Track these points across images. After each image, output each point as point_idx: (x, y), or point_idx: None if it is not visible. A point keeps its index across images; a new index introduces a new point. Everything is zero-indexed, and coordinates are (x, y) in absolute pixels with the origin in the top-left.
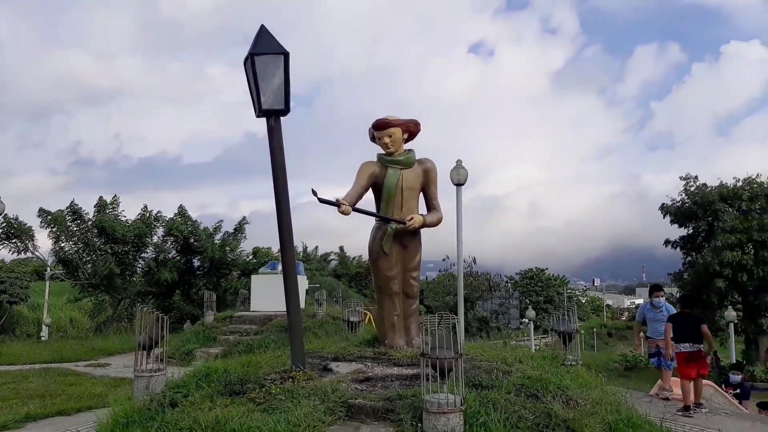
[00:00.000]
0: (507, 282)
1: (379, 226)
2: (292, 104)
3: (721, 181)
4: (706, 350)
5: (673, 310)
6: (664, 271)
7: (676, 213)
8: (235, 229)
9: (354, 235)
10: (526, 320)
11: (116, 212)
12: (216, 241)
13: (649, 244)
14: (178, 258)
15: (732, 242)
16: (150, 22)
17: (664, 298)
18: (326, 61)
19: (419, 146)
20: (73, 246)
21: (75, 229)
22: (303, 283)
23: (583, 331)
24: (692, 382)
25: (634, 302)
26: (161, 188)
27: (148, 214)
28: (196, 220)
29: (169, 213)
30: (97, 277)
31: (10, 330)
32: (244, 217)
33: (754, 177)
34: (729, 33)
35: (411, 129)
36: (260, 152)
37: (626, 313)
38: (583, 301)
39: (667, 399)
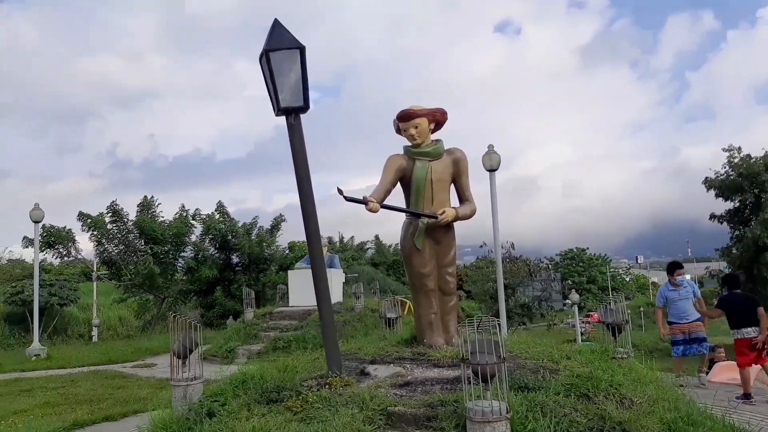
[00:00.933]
0: (548, 265)
1: (410, 221)
2: (318, 95)
3: (767, 151)
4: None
5: (696, 288)
6: (709, 246)
7: (720, 186)
8: (272, 227)
9: (388, 224)
10: (570, 302)
11: (154, 212)
12: (253, 238)
13: (692, 218)
14: (217, 255)
15: None
16: (175, 21)
17: (686, 276)
18: (351, 49)
19: (449, 132)
20: (114, 248)
21: (115, 231)
22: (339, 276)
23: (629, 311)
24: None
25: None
26: (198, 185)
27: (185, 213)
28: (233, 218)
29: (206, 210)
30: (139, 278)
31: (63, 331)
32: (281, 215)
33: None
34: None
35: (438, 118)
36: (289, 146)
37: None
38: (627, 280)
39: (703, 385)
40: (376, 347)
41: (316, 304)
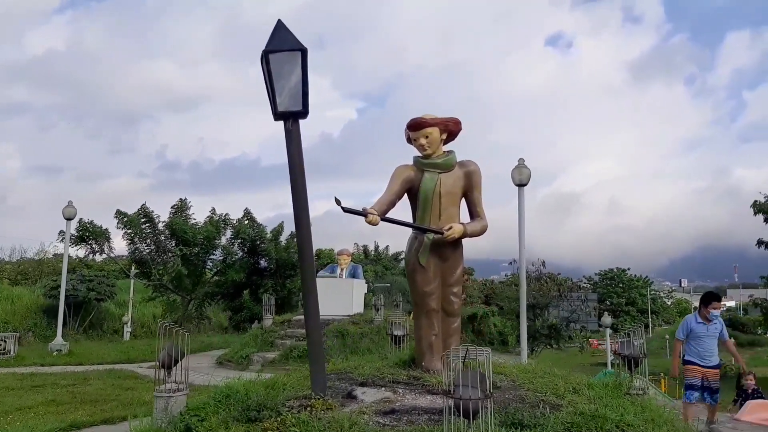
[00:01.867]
0: (585, 285)
1: (416, 236)
2: (365, 104)
3: None
4: None
5: (724, 327)
6: (757, 273)
7: None
8: None
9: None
10: (603, 326)
11: (187, 214)
12: (282, 243)
13: (742, 242)
14: (246, 259)
15: None
16: (230, 29)
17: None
18: (399, 60)
19: (494, 143)
20: (146, 247)
21: (148, 231)
22: (362, 287)
23: (667, 336)
24: None
25: (725, 305)
26: (242, 189)
27: (216, 217)
28: (260, 224)
29: (251, 213)
30: (167, 278)
31: (99, 326)
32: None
33: None
34: None
35: (450, 128)
36: (334, 152)
37: None
38: (669, 303)
39: None
40: (373, 367)
41: (335, 314)
